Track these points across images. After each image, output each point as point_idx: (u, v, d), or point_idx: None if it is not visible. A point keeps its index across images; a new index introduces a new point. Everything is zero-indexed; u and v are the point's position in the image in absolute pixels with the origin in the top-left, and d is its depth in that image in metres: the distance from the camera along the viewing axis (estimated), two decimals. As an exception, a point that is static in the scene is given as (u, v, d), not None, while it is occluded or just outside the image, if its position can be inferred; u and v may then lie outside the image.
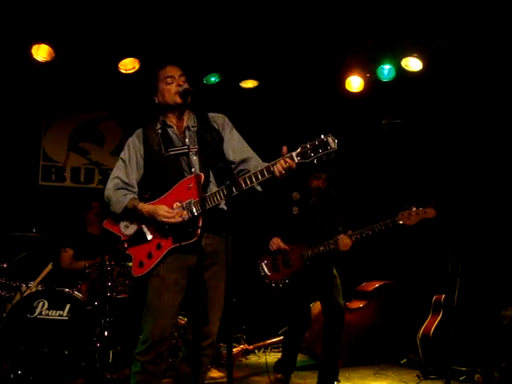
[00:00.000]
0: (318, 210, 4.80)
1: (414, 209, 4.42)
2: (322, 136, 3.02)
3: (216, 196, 3.15)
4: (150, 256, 3.23)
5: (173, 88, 3.32)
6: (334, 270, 4.81)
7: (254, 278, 4.73)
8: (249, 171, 3.19)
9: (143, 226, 3.27)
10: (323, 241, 4.60)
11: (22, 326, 4.67)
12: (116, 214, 3.32)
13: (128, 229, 3.31)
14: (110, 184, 3.36)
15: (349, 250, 4.54)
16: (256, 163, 3.29)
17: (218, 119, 3.45)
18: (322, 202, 4.84)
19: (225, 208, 3.25)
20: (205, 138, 3.28)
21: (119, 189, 3.33)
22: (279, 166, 3.03)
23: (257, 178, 3.10)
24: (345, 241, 4.52)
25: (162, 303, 3.20)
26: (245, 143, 3.46)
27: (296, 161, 3.04)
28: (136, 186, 3.38)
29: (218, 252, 3.28)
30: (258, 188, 3.22)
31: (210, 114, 3.38)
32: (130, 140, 3.43)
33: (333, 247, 4.56)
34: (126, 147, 3.42)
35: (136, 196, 3.35)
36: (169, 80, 3.34)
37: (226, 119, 3.48)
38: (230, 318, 2.81)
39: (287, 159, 3.02)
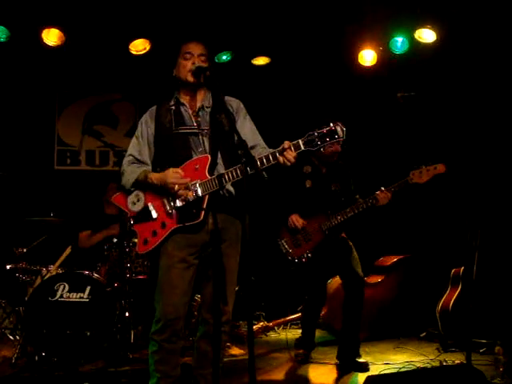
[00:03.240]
0: (331, 180, 4.82)
1: (424, 167, 4.51)
2: (331, 124, 3.02)
3: (228, 175, 3.15)
4: (154, 234, 3.26)
5: (188, 65, 3.31)
6: (351, 242, 4.82)
7: (273, 255, 4.75)
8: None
9: (149, 203, 3.29)
10: (340, 210, 4.62)
11: (43, 309, 4.73)
12: (126, 188, 3.35)
13: (135, 206, 3.33)
14: (125, 161, 3.42)
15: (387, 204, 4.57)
16: (261, 150, 3.30)
17: (234, 103, 3.45)
18: (334, 173, 4.85)
19: (231, 188, 3.30)
20: (217, 120, 3.29)
21: (133, 163, 3.38)
22: (285, 154, 3.04)
23: (262, 164, 3.10)
24: (383, 194, 4.54)
25: (171, 281, 3.22)
26: (255, 131, 3.47)
27: (302, 148, 3.05)
28: (149, 163, 3.40)
29: (226, 229, 3.29)
30: (263, 174, 3.22)
31: (226, 98, 3.39)
32: (143, 117, 3.46)
33: (372, 203, 4.56)
34: (139, 125, 3.46)
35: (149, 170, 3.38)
36: (187, 56, 3.33)
37: (241, 105, 3.48)
38: (250, 295, 2.81)
39: (292, 147, 3.04)
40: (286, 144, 3.05)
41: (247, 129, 3.41)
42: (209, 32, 5.86)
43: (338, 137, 3.01)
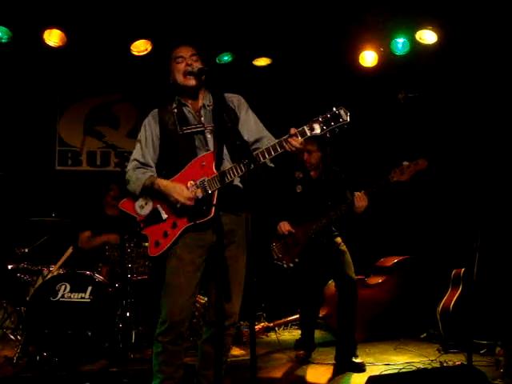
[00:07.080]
0: (322, 185, 4.82)
1: (406, 163, 4.39)
2: (334, 109, 3.03)
3: (231, 172, 3.15)
4: (165, 235, 3.25)
5: (182, 67, 3.31)
6: (344, 246, 4.81)
7: (270, 257, 4.76)
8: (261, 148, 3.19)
9: (158, 205, 3.29)
10: (326, 214, 4.60)
11: (45, 309, 4.74)
12: (134, 194, 3.35)
13: (143, 209, 3.33)
14: (129, 167, 3.42)
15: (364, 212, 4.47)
16: (269, 142, 3.28)
17: (234, 99, 3.45)
18: (325, 178, 4.85)
19: (240, 185, 3.30)
20: (220, 117, 3.27)
21: (138, 168, 3.38)
22: (290, 141, 3.04)
23: (269, 154, 3.11)
24: (358, 197, 4.43)
25: (180, 283, 3.22)
26: (260, 123, 3.46)
27: (308, 134, 3.04)
28: (153, 166, 3.40)
29: (235, 231, 3.30)
30: (271, 164, 3.23)
31: (226, 95, 3.38)
32: (146, 121, 3.45)
33: (345, 209, 4.51)
34: (142, 128, 3.45)
35: (154, 175, 3.37)
36: (179, 60, 3.33)
37: (242, 99, 3.48)
38: (252, 296, 2.82)
39: (297, 134, 3.04)
40: (292, 130, 3.06)
41: (251, 122, 3.41)
42: (210, 33, 5.87)
43: (343, 120, 3.02)
